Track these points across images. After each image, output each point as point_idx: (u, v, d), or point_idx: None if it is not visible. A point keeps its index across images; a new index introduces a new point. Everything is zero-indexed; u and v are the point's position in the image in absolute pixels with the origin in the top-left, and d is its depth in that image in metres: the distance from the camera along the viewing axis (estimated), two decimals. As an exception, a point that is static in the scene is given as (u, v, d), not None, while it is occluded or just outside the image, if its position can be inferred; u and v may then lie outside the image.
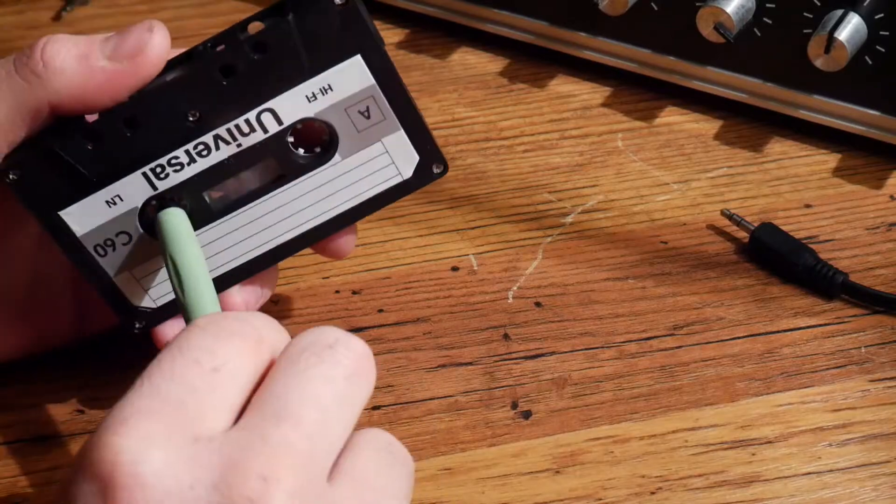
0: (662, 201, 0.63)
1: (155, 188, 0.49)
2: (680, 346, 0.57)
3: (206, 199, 0.51)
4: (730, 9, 0.63)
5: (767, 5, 0.64)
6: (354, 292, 0.59)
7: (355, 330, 0.57)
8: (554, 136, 0.67)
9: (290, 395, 0.38)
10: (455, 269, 0.60)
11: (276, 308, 0.58)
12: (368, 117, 0.50)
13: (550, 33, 0.70)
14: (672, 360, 0.56)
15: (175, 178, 0.49)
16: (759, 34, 0.65)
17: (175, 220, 0.49)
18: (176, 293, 0.48)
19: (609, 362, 0.56)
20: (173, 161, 0.49)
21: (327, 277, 0.60)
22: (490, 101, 0.69)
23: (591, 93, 0.69)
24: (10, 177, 0.48)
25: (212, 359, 0.38)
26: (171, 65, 0.49)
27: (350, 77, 0.49)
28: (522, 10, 0.70)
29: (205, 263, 0.49)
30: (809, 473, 0.52)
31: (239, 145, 0.49)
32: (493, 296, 0.59)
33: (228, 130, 0.49)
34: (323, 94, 0.49)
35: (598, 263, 0.60)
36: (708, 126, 0.67)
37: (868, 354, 0.56)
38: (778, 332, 0.57)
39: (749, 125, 0.67)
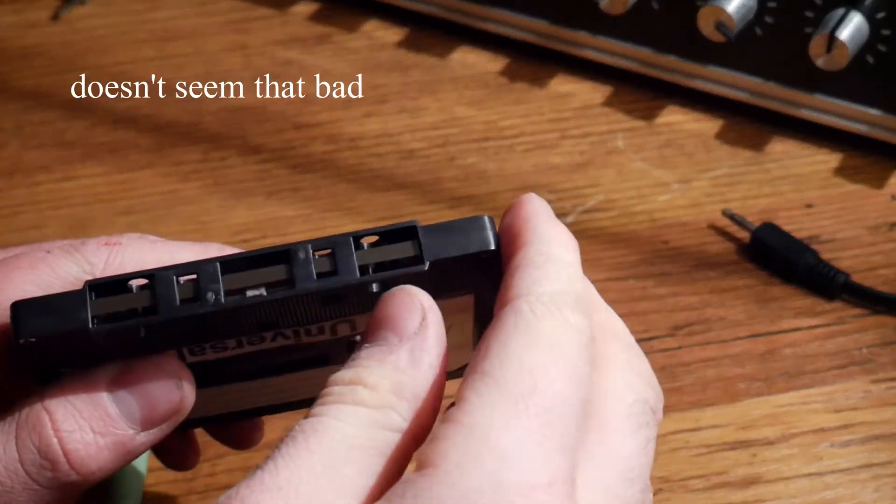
0: (663, 201, 0.63)
1: (183, 358, 0.40)
2: (681, 347, 0.57)
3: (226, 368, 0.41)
4: (731, 8, 0.62)
5: (769, 4, 0.63)
6: (354, 292, 0.59)
7: (354, 330, 0.57)
8: (554, 135, 0.67)
9: (634, 459, 0.37)
10: (455, 269, 0.60)
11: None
12: None
13: (551, 32, 0.70)
14: (673, 360, 0.56)
15: (209, 356, 0.40)
16: (760, 33, 0.64)
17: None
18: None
19: (609, 363, 0.56)
20: (218, 345, 0.39)
21: (326, 277, 0.60)
22: (490, 101, 0.69)
23: (591, 92, 0.69)
24: (21, 342, 0.37)
25: None
26: (261, 260, 0.37)
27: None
28: (523, 10, 0.70)
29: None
30: (811, 474, 0.52)
31: (298, 340, 0.40)
32: (493, 296, 0.59)
33: (295, 331, 0.39)
34: None
35: (598, 263, 0.60)
36: (709, 125, 0.67)
37: (870, 355, 0.56)
38: (779, 332, 0.57)
39: (750, 125, 0.67)
